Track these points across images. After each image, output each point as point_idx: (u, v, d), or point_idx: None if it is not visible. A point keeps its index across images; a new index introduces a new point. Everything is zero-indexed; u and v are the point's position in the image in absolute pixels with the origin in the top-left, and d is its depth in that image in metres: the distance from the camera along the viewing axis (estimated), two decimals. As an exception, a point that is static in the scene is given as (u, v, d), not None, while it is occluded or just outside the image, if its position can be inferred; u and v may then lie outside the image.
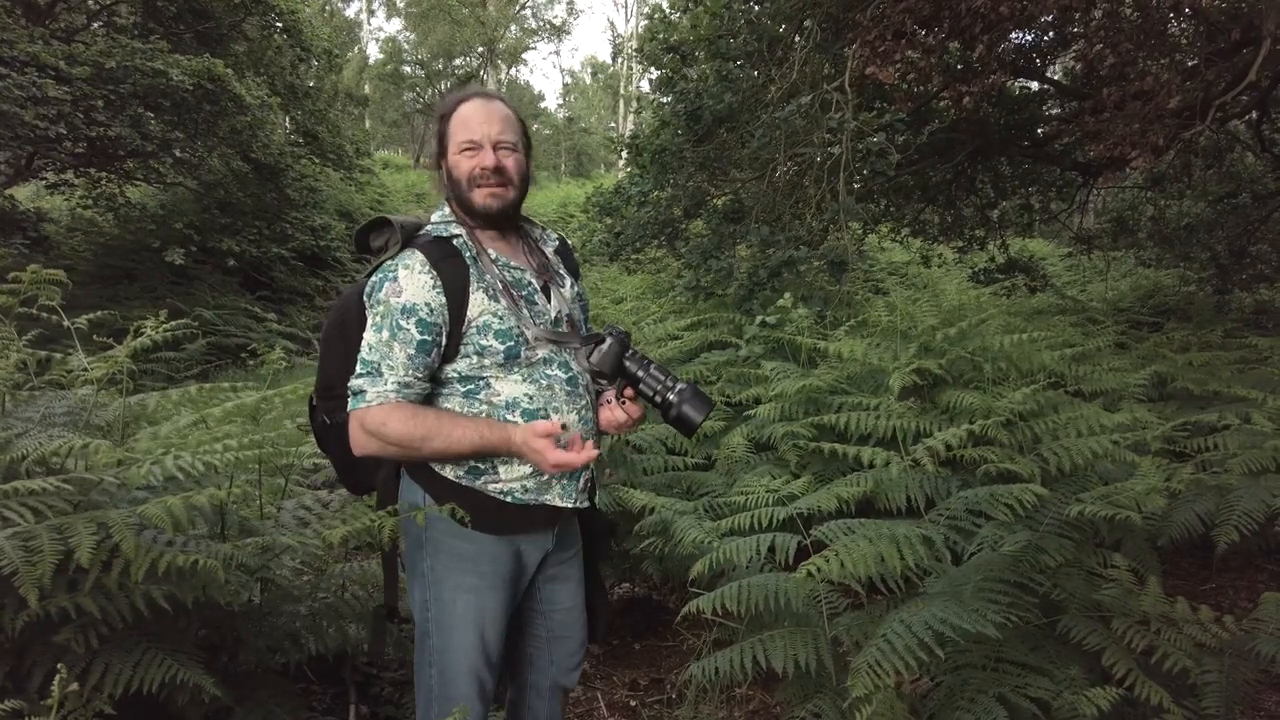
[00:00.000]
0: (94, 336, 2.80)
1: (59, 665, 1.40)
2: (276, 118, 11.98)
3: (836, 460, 3.18)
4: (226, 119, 10.13)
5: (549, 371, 1.78)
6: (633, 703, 2.96)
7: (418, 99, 33.40)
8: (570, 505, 1.84)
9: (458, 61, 33.17)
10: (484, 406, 1.75)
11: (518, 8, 35.33)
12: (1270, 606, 2.32)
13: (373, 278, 1.74)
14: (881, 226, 8.97)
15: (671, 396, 1.78)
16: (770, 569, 2.53)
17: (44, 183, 11.15)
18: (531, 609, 1.96)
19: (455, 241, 1.76)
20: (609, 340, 1.81)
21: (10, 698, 1.70)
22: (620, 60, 36.16)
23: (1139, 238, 9.24)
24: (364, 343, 1.72)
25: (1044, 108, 8.44)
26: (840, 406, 3.51)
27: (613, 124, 37.99)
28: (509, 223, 1.84)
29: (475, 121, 1.75)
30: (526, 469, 1.77)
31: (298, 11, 12.38)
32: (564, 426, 1.72)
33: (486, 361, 1.73)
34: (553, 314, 1.82)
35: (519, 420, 1.74)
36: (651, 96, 8.99)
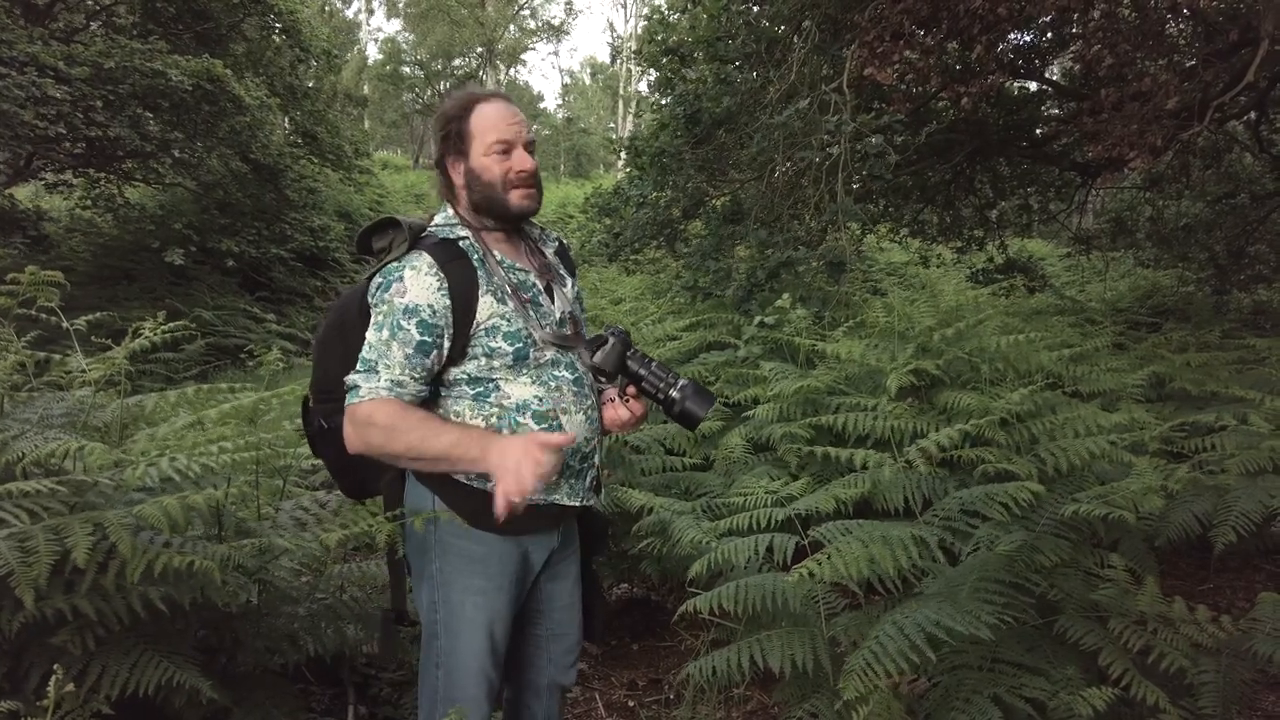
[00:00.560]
0: (93, 337, 2.80)
1: (55, 666, 1.40)
2: (275, 118, 11.97)
3: (832, 462, 3.18)
4: (225, 119, 10.11)
5: (556, 373, 1.79)
6: (631, 703, 2.96)
7: (417, 99, 33.44)
8: (578, 503, 1.85)
9: (457, 62, 33.18)
10: (494, 409, 1.75)
11: (516, 8, 35.35)
12: (1267, 606, 2.32)
13: (377, 278, 1.74)
14: (880, 227, 8.95)
15: (674, 393, 1.81)
16: (768, 569, 2.53)
17: (43, 183, 11.14)
18: (533, 608, 1.96)
19: (461, 244, 1.76)
20: (611, 340, 1.82)
21: (7, 699, 1.70)
22: (619, 61, 36.15)
23: (1137, 238, 9.23)
24: (365, 341, 1.72)
25: (1042, 108, 8.43)
26: (838, 407, 3.51)
27: (612, 124, 37.99)
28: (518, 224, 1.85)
29: (505, 123, 1.75)
30: None
31: (297, 12, 12.34)
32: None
33: (496, 363, 1.73)
34: (557, 314, 1.83)
35: (530, 422, 1.74)
36: (650, 98, 8.99)
